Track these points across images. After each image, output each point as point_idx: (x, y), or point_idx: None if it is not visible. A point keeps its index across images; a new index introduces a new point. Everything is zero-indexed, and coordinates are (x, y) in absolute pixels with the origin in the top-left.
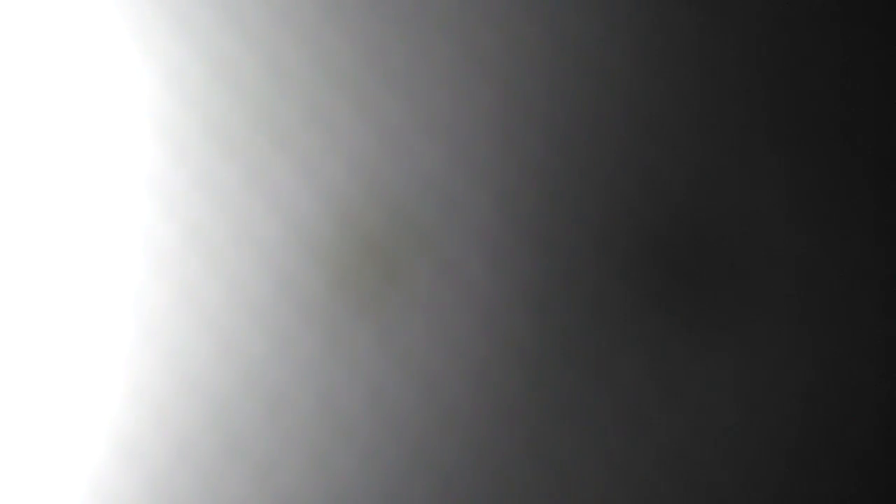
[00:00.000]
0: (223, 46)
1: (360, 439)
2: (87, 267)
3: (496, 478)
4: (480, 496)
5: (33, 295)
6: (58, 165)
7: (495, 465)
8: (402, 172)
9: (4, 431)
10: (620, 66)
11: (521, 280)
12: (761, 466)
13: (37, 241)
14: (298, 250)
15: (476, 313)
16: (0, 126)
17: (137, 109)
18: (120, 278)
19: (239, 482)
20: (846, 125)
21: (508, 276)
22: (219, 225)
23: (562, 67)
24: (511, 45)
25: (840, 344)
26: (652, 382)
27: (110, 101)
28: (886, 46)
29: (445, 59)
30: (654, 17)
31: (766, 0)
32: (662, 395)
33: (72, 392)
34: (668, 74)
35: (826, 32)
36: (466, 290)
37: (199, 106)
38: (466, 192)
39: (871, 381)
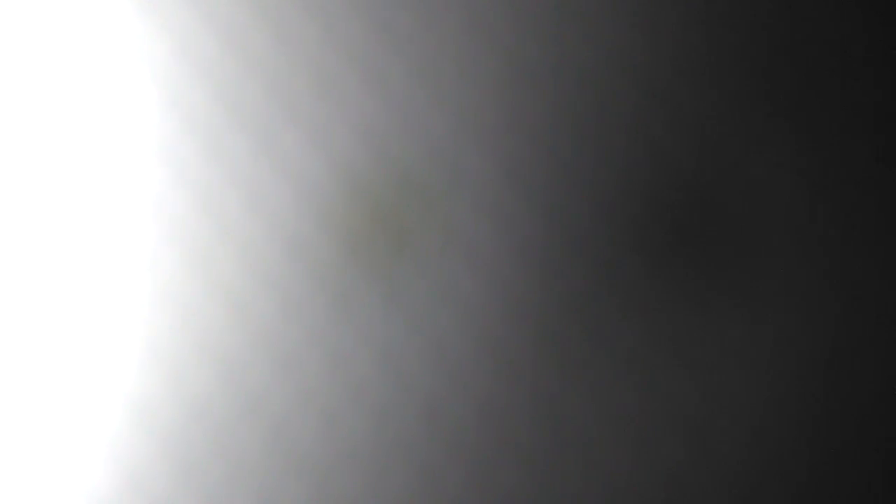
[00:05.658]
0: (232, 16)
1: (370, 399)
2: (100, 235)
3: (503, 436)
4: (488, 454)
5: (47, 264)
6: (68, 136)
7: (502, 424)
8: (411, 140)
9: (21, 397)
10: (627, 35)
11: (528, 245)
12: (767, 432)
13: (49, 211)
14: (308, 217)
15: (483, 278)
16: (9, 99)
17: (147, 79)
18: (132, 246)
19: (251, 442)
20: (854, 95)
21: (515, 241)
22: (229, 193)
23: (568, 36)
24: (517, 15)
25: (848, 312)
26: (658, 346)
27: (120, 72)
28: (892, 18)
29: (453, 28)
30: None
31: None
32: (667, 358)
33: (87, 357)
34: (675, 43)
35: (832, 3)
36: (474, 256)
37: (208, 75)
38: (474, 159)
39: (880, 347)
